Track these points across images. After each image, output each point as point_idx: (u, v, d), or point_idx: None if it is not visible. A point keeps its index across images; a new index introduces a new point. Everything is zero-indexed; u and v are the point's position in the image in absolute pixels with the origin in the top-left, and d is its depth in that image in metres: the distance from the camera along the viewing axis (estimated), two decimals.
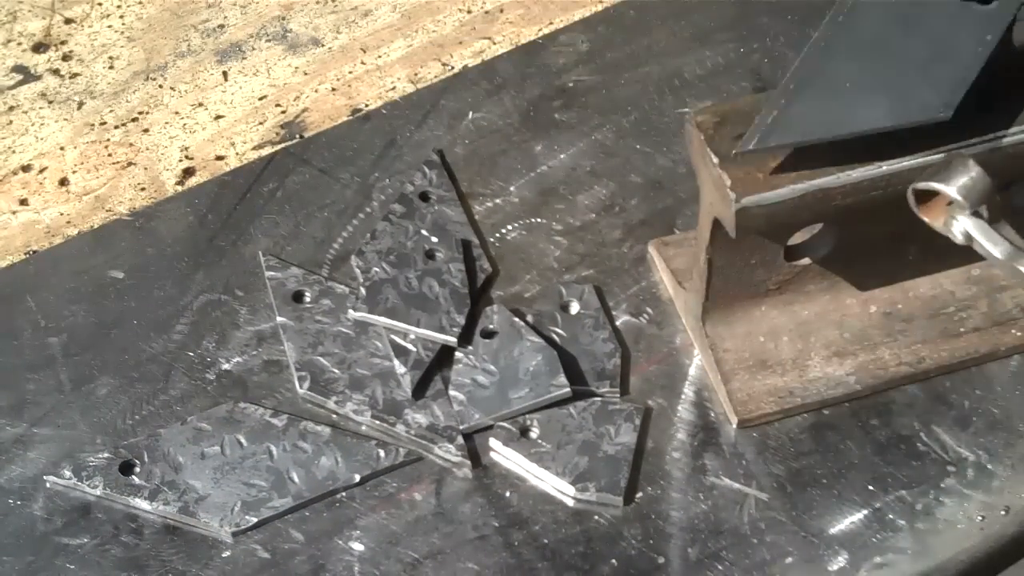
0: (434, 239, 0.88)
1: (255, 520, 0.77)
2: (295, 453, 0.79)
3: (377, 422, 0.81)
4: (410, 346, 0.83)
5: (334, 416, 0.82)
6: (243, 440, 0.80)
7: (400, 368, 0.82)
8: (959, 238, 0.68)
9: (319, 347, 0.84)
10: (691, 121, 0.75)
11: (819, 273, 0.81)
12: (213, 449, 0.79)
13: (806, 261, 0.81)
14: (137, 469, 0.78)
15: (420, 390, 0.82)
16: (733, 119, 0.74)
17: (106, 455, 0.79)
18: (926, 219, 0.70)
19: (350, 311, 0.84)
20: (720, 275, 0.79)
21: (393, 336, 0.83)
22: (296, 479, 0.78)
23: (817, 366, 0.82)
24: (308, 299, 0.86)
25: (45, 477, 0.78)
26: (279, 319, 0.85)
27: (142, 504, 0.77)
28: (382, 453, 0.80)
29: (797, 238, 0.80)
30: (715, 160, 0.73)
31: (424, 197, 0.91)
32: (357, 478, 0.79)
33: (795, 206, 0.73)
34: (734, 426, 0.81)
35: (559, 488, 0.78)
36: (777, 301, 0.82)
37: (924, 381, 0.82)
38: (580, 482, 0.78)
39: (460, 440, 0.80)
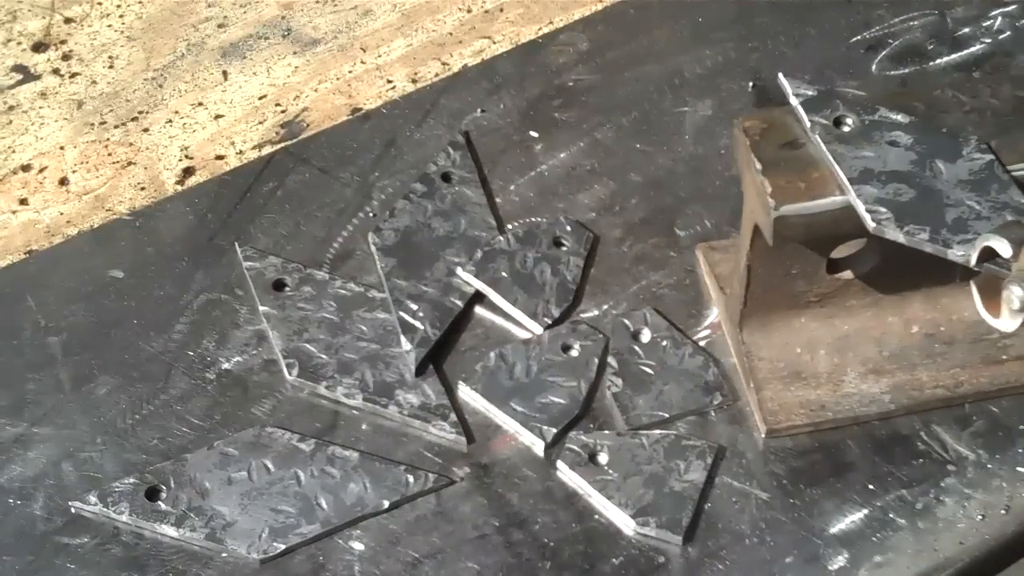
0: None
1: (283, 547, 0.75)
2: (323, 479, 0.78)
3: (369, 404, 0.81)
4: (418, 323, 0.83)
5: (325, 401, 0.81)
6: (270, 465, 0.78)
7: (406, 344, 0.82)
8: (1016, 305, 0.67)
9: (304, 334, 0.84)
10: (738, 126, 0.74)
11: (862, 288, 0.80)
12: (240, 474, 0.77)
13: (848, 275, 0.79)
14: (163, 495, 0.76)
15: (422, 368, 0.82)
16: (780, 126, 0.74)
17: (132, 480, 0.77)
18: (989, 318, 0.70)
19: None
20: (759, 283, 0.78)
21: (401, 313, 0.83)
22: (324, 505, 0.77)
23: (852, 382, 0.80)
24: (289, 287, 0.86)
25: (71, 503, 0.77)
26: (262, 308, 0.85)
27: (169, 531, 0.75)
28: (411, 479, 0.78)
29: (841, 251, 0.78)
30: (758, 166, 0.72)
31: (446, 178, 0.91)
32: (386, 504, 0.77)
33: (834, 218, 0.72)
34: (762, 435, 0.80)
35: (618, 520, 0.77)
36: (817, 313, 0.81)
37: (958, 407, 0.81)
38: (641, 516, 0.76)
39: (453, 417, 0.80)
